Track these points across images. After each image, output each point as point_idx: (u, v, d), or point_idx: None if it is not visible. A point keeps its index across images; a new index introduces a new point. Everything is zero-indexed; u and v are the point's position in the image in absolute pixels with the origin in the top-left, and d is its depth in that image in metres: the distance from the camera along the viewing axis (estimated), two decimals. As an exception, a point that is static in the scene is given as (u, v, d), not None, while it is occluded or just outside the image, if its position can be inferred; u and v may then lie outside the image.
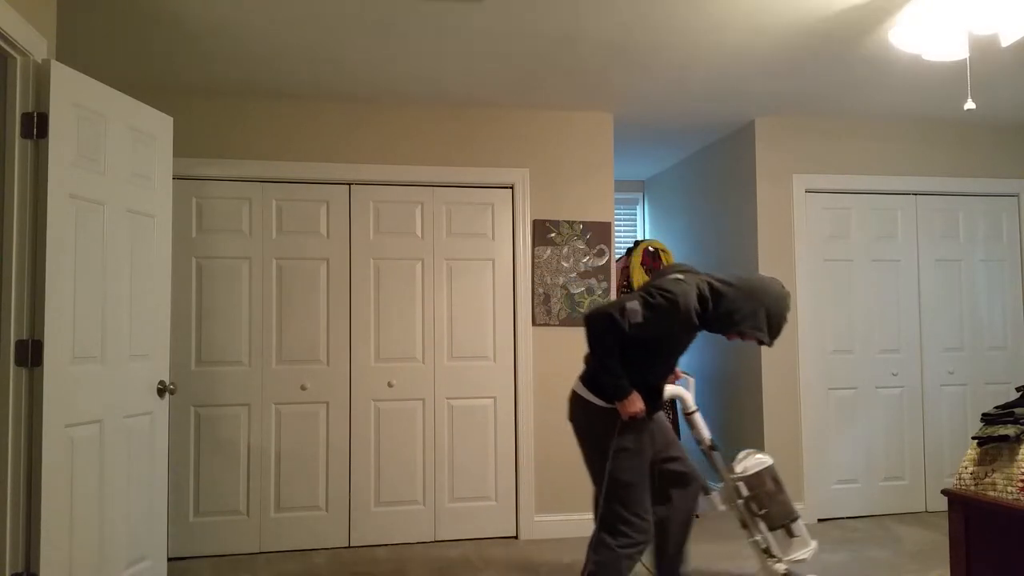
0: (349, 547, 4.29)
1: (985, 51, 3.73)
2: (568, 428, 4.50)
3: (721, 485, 3.14)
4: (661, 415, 3.05)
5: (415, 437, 4.39)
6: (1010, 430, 2.85)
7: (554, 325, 4.51)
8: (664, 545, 3.14)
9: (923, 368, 4.95)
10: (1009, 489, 2.77)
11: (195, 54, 3.67)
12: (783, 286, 2.82)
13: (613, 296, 4.58)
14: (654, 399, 2.87)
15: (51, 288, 2.69)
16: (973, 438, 3.00)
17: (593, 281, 4.56)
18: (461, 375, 4.45)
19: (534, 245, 4.52)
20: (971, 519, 2.90)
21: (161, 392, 3.30)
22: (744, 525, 3.08)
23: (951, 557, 2.98)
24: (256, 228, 4.28)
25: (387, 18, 3.28)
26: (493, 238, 4.52)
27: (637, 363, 2.78)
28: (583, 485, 4.49)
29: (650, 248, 5.09)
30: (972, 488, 2.94)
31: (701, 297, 2.73)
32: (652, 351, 2.81)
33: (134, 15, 3.24)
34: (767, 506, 3.04)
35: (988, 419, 3.01)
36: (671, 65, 3.87)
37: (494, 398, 4.47)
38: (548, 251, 4.53)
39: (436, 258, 4.46)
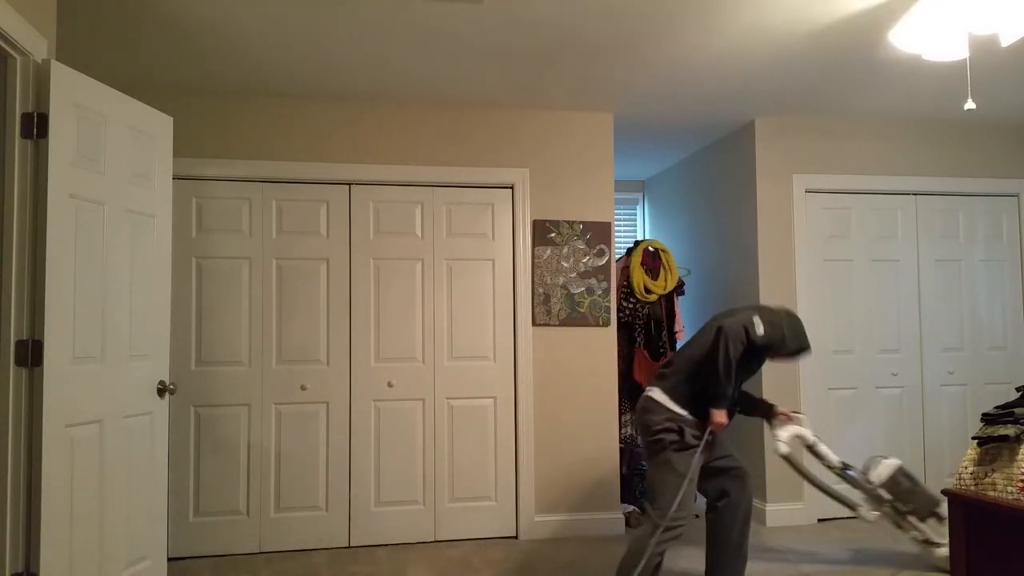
0: (349, 547, 4.29)
1: (985, 51, 3.73)
2: (567, 428, 4.51)
3: (865, 498, 3.37)
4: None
5: (415, 437, 4.39)
6: (1010, 430, 2.85)
7: (554, 325, 4.51)
8: (723, 541, 3.29)
9: (923, 368, 4.95)
10: (1009, 489, 2.77)
11: (195, 54, 3.67)
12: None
13: (613, 296, 4.58)
14: (730, 415, 3.21)
15: (51, 288, 2.69)
16: (973, 438, 3.00)
17: (593, 281, 4.56)
18: (461, 375, 4.45)
19: (534, 245, 4.52)
20: (971, 519, 2.90)
21: (161, 392, 3.30)
22: (898, 526, 3.34)
23: (951, 557, 2.98)
24: (256, 228, 4.29)
25: (387, 18, 3.28)
26: (493, 238, 4.53)
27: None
28: (583, 485, 4.49)
29: (650, 248, 5.09)
30: (972, 488, 2.94)
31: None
32: (736, 370, 3.12)
33: (134, 15, 3.24)
34: (911, 501, 3.29)
35: (988, 419, 3.01)
36: (671, 65, 3.87)
37: (494, 398, 4.47)
38: (548, 251, 4.53)
39: (436, 258, 4.46)
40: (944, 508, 3.28)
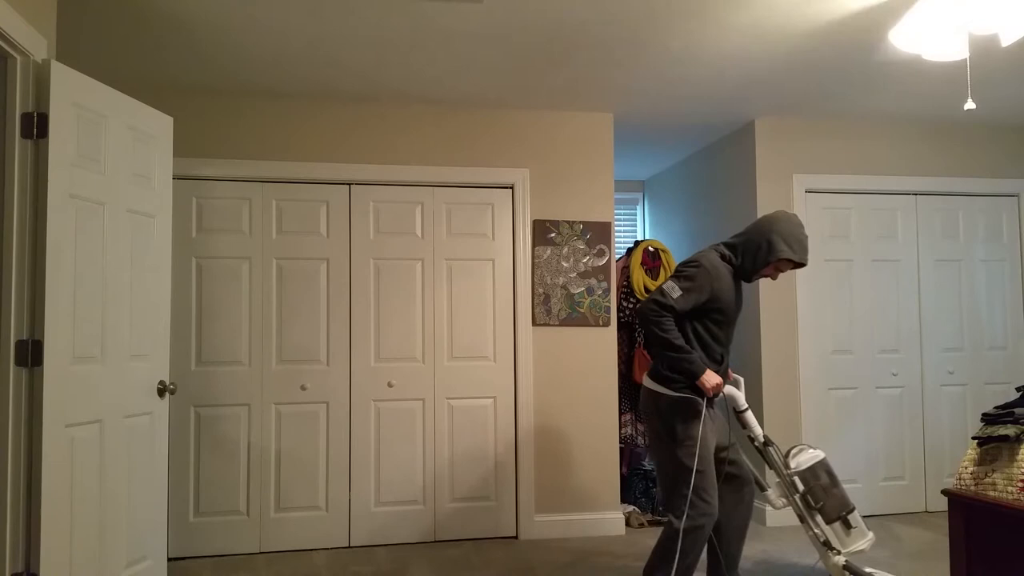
0: (349, 547, 4.29)
1: (985, 51, 3.73)
2: (567, 428, 4.51)
3: (777, 482, 3.20)
4: (719, 412, 3.22)
5: (415, 437, 4.39)
6: (1010, 430, 2.85)
7: (554, 325, 4.51)
8: (719, 547, 3.26)
9: (923, 368, 4.95)
10: (1009, 489, 2.77)
11: (195, 54, 3.67)
12: (785, 212, 3.15)
13: (613, 296, 4.58)
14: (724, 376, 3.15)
15: (51, 288, 2.69)
16: (973, 438, 3.00)
17: (593, 281, 4.56)
18: (461, 375, 4.45)
19: (534, 245, 4.52)
20: (971, 519, 2.90)
21: (161, 392, 3.30)
22: (802, 520, 3.14)
23: (951, 557, 2.98)
24: (256, 228, 4.29)
25: (387, 18, 3.28)
26: (493, 238, 4.53)
27: (695, 345, 3.06)
28: (583, 485, 4.49)
29: (650, 248, 5.09)
30: (972, 488, 2.94)
31: (723, 256, 3.10)
32: (706, 330, 3.07)
33: (134, 15, 3.24)
34: (822, 499, 3.09)
35: (988, 419, 3.01)
36: (672, 65, 3.87)
37: (494, 398, 4.47)
38: (548, 251, 4.53)
39: (436, 258, 4.46)
40: (856, 518, 3.09)
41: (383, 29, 3.40)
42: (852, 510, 3.10)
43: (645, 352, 4.98)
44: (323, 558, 4.10)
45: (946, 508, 4.16)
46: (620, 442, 4.85)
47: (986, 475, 2.89)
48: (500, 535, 4.44)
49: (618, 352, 4.93)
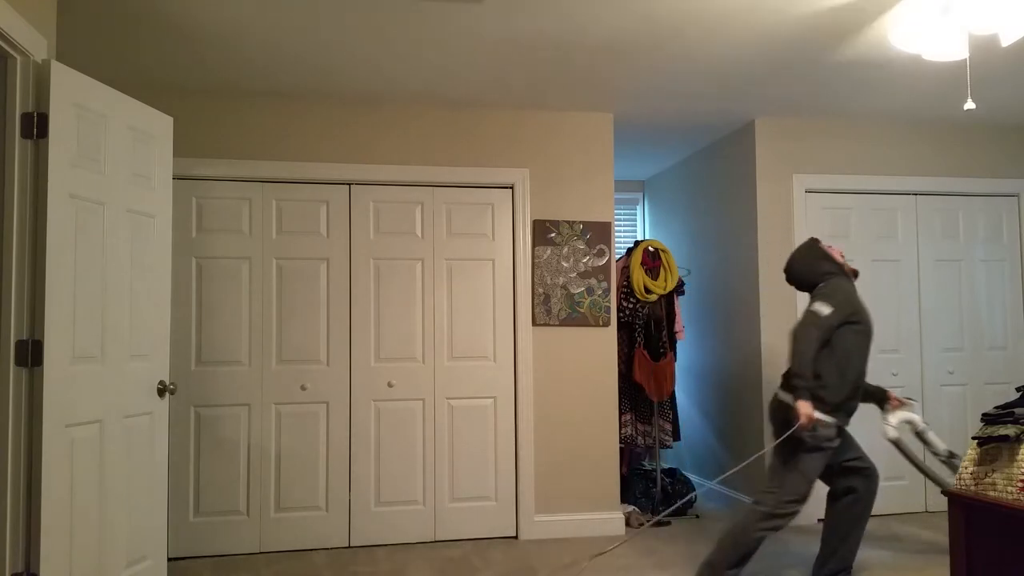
0: (349, 547, 4.29)
1: (985, 51, 3.73)
2: (568, 428, 4.51)
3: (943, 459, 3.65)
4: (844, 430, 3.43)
5: (415, 437, 4.39)
6: (1010, 430, 2.85)
7: (554, 325, 4.51)
8: (841, 534, 3.48)
9: (923, 368, 4.95)
10: (1009, 489, 2.77)
11: (195, 54, 3.67)
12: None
13: (613, 296, 4.58)
14: (849, 413, 3.35)
15: (51, 288, 2.69)
16: (973, 438, 3.00)
17: (593, 281, 4.56)
18: (461, 375, 4.45)
19: (534, 245, 4.52)
20: (971, 519, 2.89)
21: (161, 392, 3.30)
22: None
23: (951, 557, 2.98)
24: (256, 228, 4.29)
25: (387, 18, 3.28)
26: (493, 238, 4.53)
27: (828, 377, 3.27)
28: (583, 485, 4.50)
29: (650, 248, 5.09)
30: (972, 488, 2.94)
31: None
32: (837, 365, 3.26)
33: (134, 15, 3.24)
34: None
35: (988, 419, 3.01)
36: (671, 65, 3.87)
37: (494, 398, 4.47)
38: (548, 251, 4.53)
39: (436, 258, 4.46)
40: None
41: (383, 29, 3.40)
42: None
43: (645, 352, 4.98)
44: (323, 558, 4.10)
45: (946, 508, 4.16)
46: (620, 442, 4.85)
47: (986, 475, 2.89)
48: (500, 535, 4.44)
49: (618, 352, 4.93)
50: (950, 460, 3.60)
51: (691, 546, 4.23)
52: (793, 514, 3.27)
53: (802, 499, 3.27)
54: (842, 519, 3.47)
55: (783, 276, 4.76)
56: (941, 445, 3.62)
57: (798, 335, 3.20)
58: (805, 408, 3.14)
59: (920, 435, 3.59)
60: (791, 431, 3.22)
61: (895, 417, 3.54)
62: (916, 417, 3.58)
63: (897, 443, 3.56)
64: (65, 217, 2.76)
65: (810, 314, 3.22)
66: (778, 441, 3.29)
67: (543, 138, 4.59)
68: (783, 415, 3.31)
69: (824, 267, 3.40)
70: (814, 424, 3.18)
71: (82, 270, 2.85)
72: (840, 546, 3.46)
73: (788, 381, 3.33)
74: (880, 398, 3.60)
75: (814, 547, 4.13)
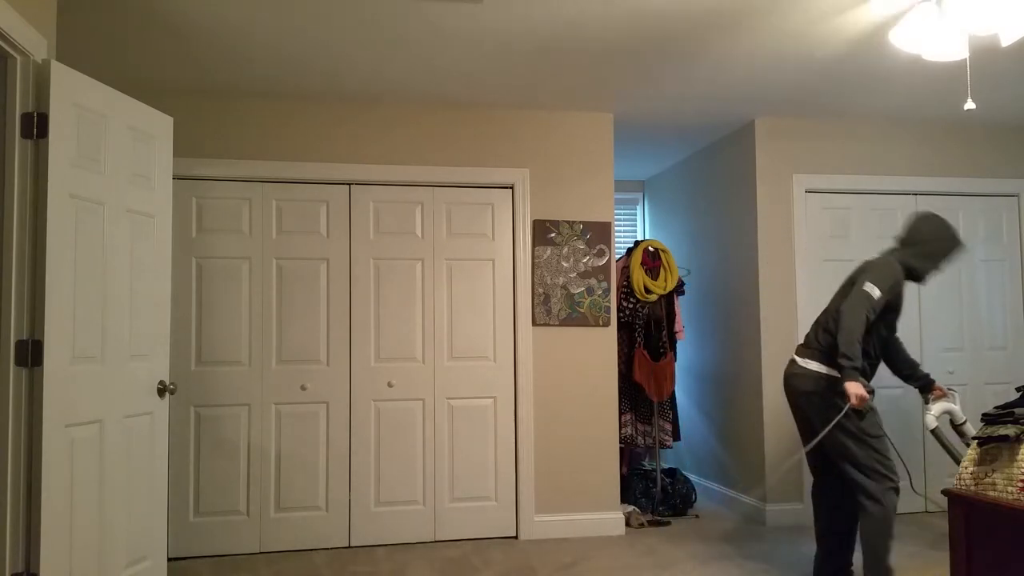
0: (349, 547, 4.29)
1: (985, 51, 3.73)
2: (568, 428, 4.51)
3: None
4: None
5: (415, 437, 4.39)
6: (1010, 430, 2.84)
7: (554, 325, 4.51)
8: (840, 530, 3.49)
9: (923, 368, 4.94)
10: (1009, 489, 2.77)
11: (195, 54, 3.67)
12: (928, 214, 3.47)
13: (613, 296, 4.58)
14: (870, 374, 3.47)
15: (51, 288, 2.69)
16: (973, 438, 3.00)
17: (593, 281, 4.56)
18: (461, 375, 4.45)
19: (534, 245, 4.52)
20: (971, 519, 2.89)
21: (161, 392, 3.30)
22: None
23: (951, 557, 2.98)
24: (256, 228, 4.29)
25: (387, 18, 3.28)
26: (493, 238, 4.53)
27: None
28: (583, 485, 4.49)
29: (650, 248, 5.09)
30: (972, 488, 2.94)
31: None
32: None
33: (134, 15, 3.24)
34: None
35: (988, 419, 3.01)
36: (671, 65, 3.87)
37: (494, 398, 4.47)
38: (548, 251, 4.53)
39: (436, 258, 4.46)
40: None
41: (383, 29, 3.40)
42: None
43: (645, 352, 4.98)
44: (323, 558, 4.10)
45: (946, 508, 4.16)
46: (620, 442, 4.85)
47: (986, 475, 2.89)
48: (500, 535, 4.44)
49: (618, 352, 4.93)
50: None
51: (691, 546, 4.23)
52: (888, 477, 3.26)
53: (886, 458, 3.28)
54: (839, 517, 3.47)
55: (783, 275, 4.75)
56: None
57: (850, 313, 3.19)
58: (855, 388, 3.13)
59: (958, 427, 3.58)
60: (843, 413, 3.23)
61: (937, 407, 3.54)
62: (956, 408, 3.58)
63: (936, 433, 3.57)
64: (65, 217, 2.76)
65: (864, 295, 3.22)
66: (832, 425, 3.27)
67: (543, 138, 4.59)
68: (813, 385, 3.34)
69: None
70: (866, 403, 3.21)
71: (82, 270, 2.85)
72: (840, 543, 3.47)
73: (812, 351, 3.40)
74: (925, 386, 3.61)
75: (804, 546, 4.14)
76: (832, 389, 3.28)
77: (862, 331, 3.17)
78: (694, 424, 5.67)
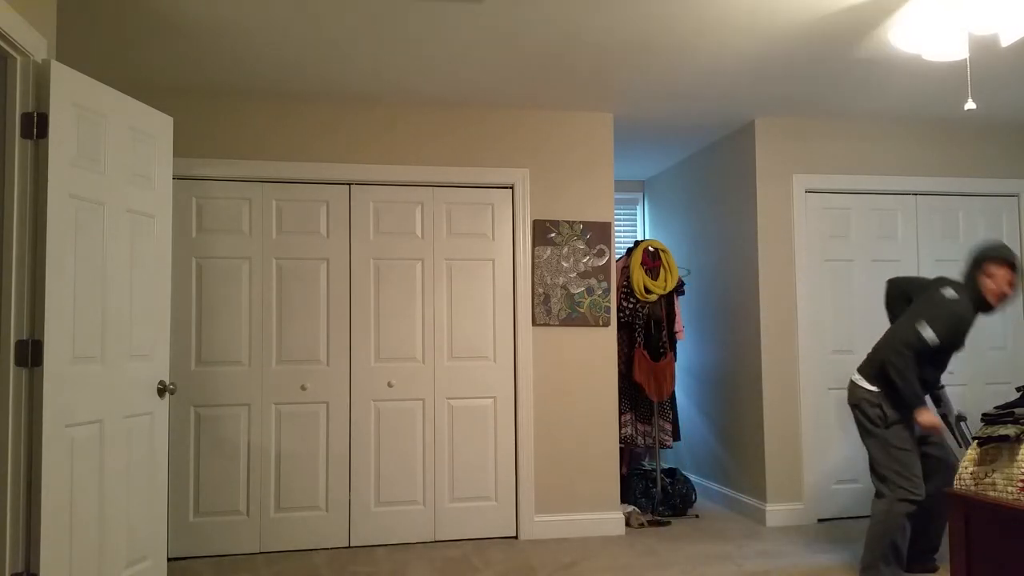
0: (349, 547, 4.29)
1: (985, 51, 3.73)
2: (567, 428, 4.51)
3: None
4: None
5: (415, 437, 4.39)
6: (1010, 430, 2.85)
7: (554, 325, 4.51)
8: (922, 528, 3.63)
9: (923, 368, 4.94)
10: (1009, 489, 2.77)
11: (195, 54, 3.67)
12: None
13: (613, 296, 4.58)
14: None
15: (51, 288, 2.69)
16: (973, 438, 3.00)
17: (593, 281, 4.56)
18: (461, 375, 4.45)
19: (534, 245, 4.52)
20: (971, 519, 2.90)
21: (161, 392, 3.30)
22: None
23: (951, 557, 2.98)
24: (256, 228, 4.29)
25: (387, 18, 3.28)
26: (493, 238, 4.53)
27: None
28: (583, 485, 4.50)
29: (650, 248, 5.09)
30: (972, 488, 2.94)
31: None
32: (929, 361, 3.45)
33: (134, 15, 3.24)
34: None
35: (988, 419, 3.01)
36: (671, 65, 3.87)
37: (494, 398, 4.47)
38: (548, 251, 4.53)
39: (436, 258, 4.46)
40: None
41: (383, 29, 3.40)
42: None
43: (645, 352, 4.98)
44: (323, 558, 4.10)
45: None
46: (620, 442, 4.85)
47: (986, 475, 2.89)
48: (500, 535, 4.44)
49: (618, 352, 4.93)
50: (959, 424, 3.71)
51: (691, 546, 4.23)
52: (903, 487, 3.36)
53: (906, 469, 3.38)
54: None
55: (783, 276, 4.75)
56: (952, 406, 3.78)
57: (897, 362, 3.33)
58: (926, 418, 3.34)
59: (933, 392, 3.70)
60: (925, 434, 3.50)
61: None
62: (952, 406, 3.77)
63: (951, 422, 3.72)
64: (65, 217, 2.76)
65: (915, 338, 3.32)
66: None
67: (543, 138, 4.59)
68: (855, 399, 3.53)
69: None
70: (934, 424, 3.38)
71: (82, 270, 2.85)
72: (929, 526, 3.62)
73: (864, 367, 3.55)
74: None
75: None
76: (871, 404, 3.46)
77: (915, 376, 3.33)
78: (694, 424, 5.67)
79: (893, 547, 3.36)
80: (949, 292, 3.38)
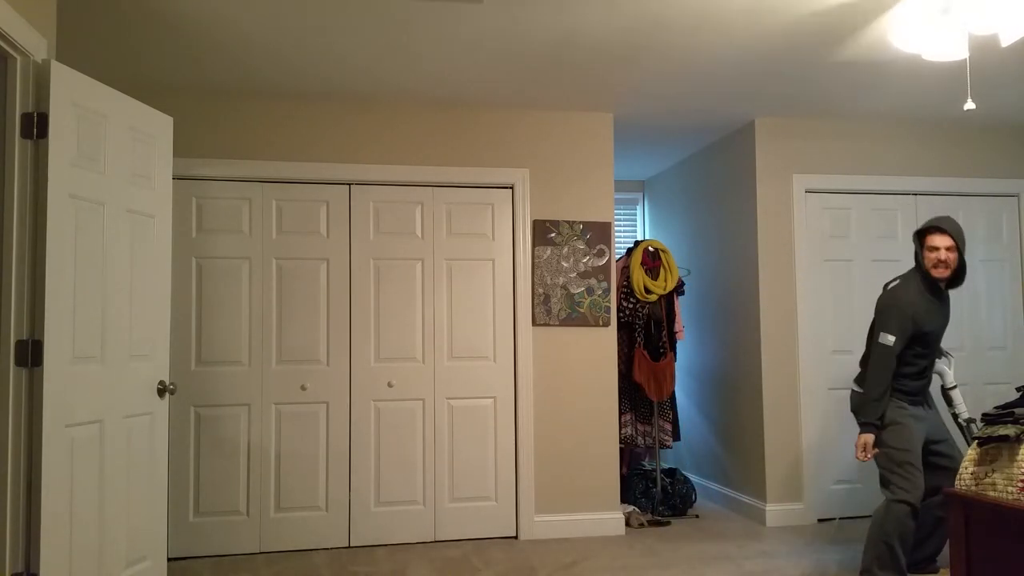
0: (349, 547, 4.29)
1: (985, 51, 3.73)
2: (567, 428, 4.51)
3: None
4: (930, 411, 3.53)
5: (415, 437, 4.39)
6: (1010, 430, 2.85)
7: (554, 325, 4.51)
8: (931, 533, 3.60)
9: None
10: (1009, 489, 2.77)
11: (195, 54, 3.67)
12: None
13: (613, 296, 4.58)
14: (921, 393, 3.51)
15: (51, 288, 2.69)
16: (973, 438, 3.00)
17: (593, 281, 4.56)
18: (461, 375, 4.45)
19: (534, 245, 4.52)
20: (971, 519, 2.90)
21: (161, 392, 3.30)
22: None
23: (951, 557, 2.98)
24: (256, 228, 4.29)
25: (388, 18, 3.28)
26: (493, 238, 4.53)
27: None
28: (583, 485, 4.50)
29: (650, 248, 5.09)
30: (972, 488, 2.94)
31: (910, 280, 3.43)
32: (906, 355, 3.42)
33: (134, 15, 3.24)
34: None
35: (988, 419, 3.01)
36: (671, 65, 3.87)
37: (494, 398, 4.47)
38: (548, 251, 4.53)
39: (436, 258, 4.46)
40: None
41: (383, 29, 3.40)
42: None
43: (645, 352, 4.98)
44: (323, 558, 4.10)
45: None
46: (620, 442, 4.85)
47: (986, 475, 2.89)
48: (500, 535, 4.44)
49: (618, 352, 4.93)
50: (968, 426, 3.65)
51: (691, 546, 4.23)
52: (899, 487, 3.35)
53: (901, 469, 3.36)
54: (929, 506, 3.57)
55: (783, 276, 4.75)
56: (963, 408, 3.70)
57: (872, 374, 3.37)
58: (861, 440, 3.40)
59: (945, 391, 3.63)
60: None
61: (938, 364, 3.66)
62: (948, 372, 3.65)
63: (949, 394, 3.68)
64: (65, 217, 2.76)
65: (880, 351, 3.36)
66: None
67: (543, 138, 4.59)
68: (852, 404, 3.58)
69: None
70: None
71: (82, 270, 2.85)
72: (937, 530, 3.60)
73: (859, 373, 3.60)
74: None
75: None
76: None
77: (883, 388, 3.35)
78: (694, 424, 5.67)
79: (889, 550, 3.32)
80: (890, 285, 3.47)
